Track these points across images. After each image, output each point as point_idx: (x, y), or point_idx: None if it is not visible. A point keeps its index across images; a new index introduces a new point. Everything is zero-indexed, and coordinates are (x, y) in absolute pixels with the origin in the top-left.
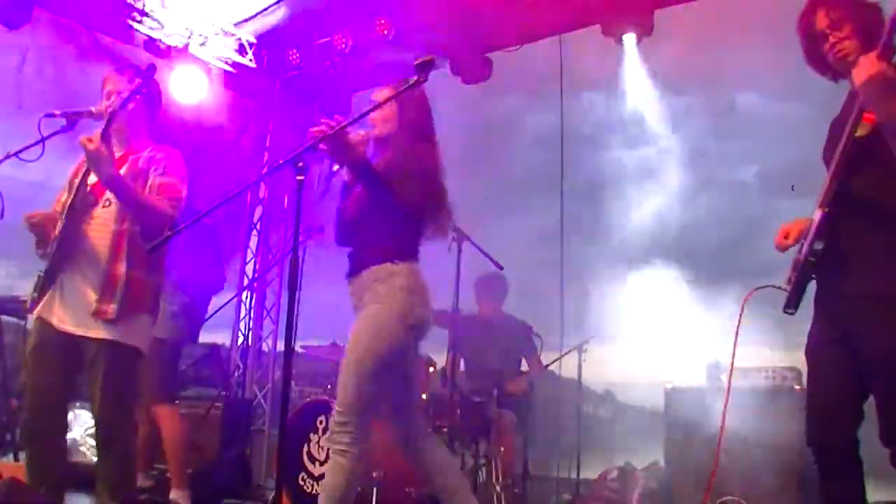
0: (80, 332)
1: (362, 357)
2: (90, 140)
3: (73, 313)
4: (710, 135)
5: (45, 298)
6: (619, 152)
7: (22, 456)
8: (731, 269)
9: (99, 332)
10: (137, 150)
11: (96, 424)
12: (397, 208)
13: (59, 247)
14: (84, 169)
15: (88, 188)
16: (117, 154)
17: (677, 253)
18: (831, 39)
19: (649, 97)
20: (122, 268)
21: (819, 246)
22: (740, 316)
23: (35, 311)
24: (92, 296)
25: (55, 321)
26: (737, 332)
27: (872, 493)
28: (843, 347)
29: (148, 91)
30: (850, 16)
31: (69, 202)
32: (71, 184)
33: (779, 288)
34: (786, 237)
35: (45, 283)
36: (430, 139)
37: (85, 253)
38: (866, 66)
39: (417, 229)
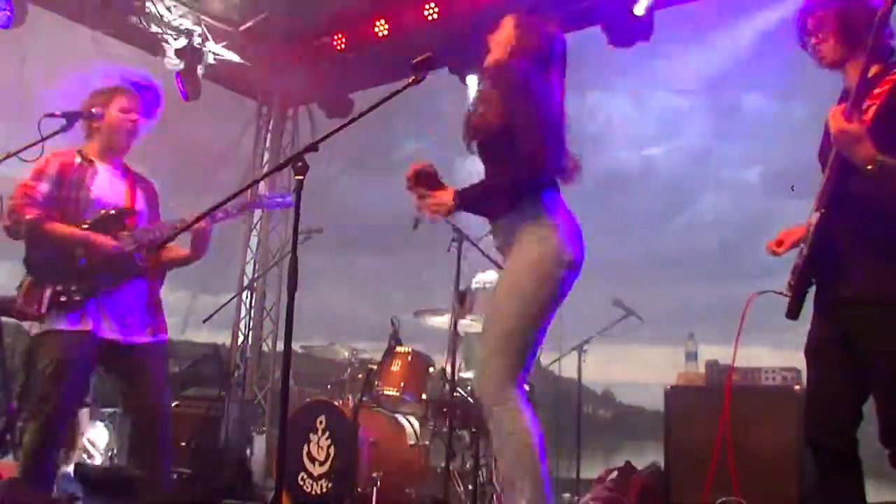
0: (131, 339)
1: (525, 307)
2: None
3: (122, 322)
4: (714, 135)
5: (79, 310)
6: (623, 152)
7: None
8: (735, 269)
9: (153, 333)
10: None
11: (146, 423)
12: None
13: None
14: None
15: (125, 207)
16: (111, 169)
17: (680, 252)
18: (813, 41)
19: (654, 97)
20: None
21: (817, 253)
22: (741, 321)
23: (61, 325)
24: (142, 304)
25: (103, 332)
26: (737, 337)
27: (872, 493)
28: (842, 348)
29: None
30: (833, 16)
31: (101, 217)
32: (74, 182)
33: (780, 294)
34: (779, 245)
35: (79, 296)
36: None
37: (121, 265)
38: (832, 123)
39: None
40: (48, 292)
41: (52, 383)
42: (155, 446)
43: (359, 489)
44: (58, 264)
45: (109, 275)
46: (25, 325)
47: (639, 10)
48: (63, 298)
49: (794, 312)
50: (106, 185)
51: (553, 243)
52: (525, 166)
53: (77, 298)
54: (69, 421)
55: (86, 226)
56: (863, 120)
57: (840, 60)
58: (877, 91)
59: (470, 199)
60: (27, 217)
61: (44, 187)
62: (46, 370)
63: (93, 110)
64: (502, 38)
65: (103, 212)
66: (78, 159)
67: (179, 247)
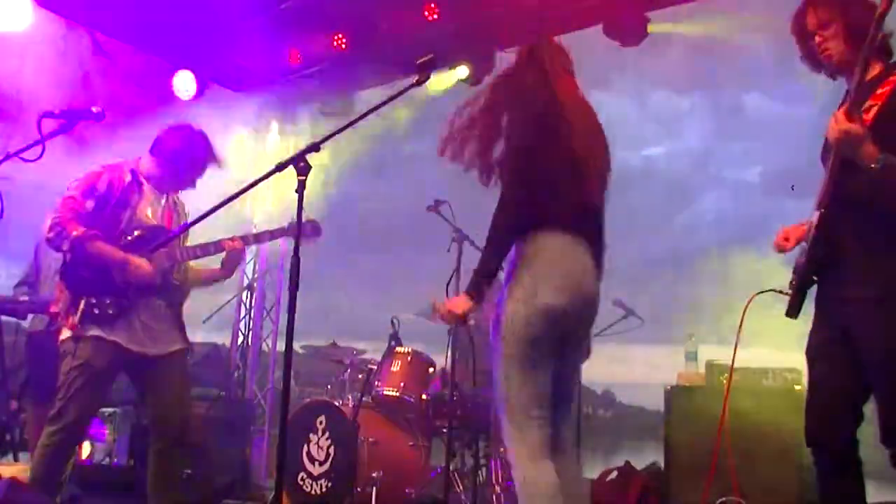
0: (158, 351)
1: (507, 368)
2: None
3: (151, 335)
4: (716, 135)
5: (106, 322)
6: (623, 152)
7: (21, 456)
8: (735, 268)
9: (178, 343)
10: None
11: (169, 430)
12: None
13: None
14: (154, 204)
15: (161, 227)
16: (156, 190)
17: (681, 252)
18: (817, 39)
19: (654, 97)
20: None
21: (819, 251)
22: (741, 320)
23: (92, 333)
24: (171, 317)
25: (134, 345)
26: (738, 336)
27: (873, 493)
28: (843, 348)
29: None
30: (837, 15)
31: (139, 236)
32: (121, 202)
33: (780, 292)
34: (786, 240)
35: (113, 310)
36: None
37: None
38: (833, 126)
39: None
40: (83, 305)
41: (77, 390)
42: (175, 453)
43: (359, 489)
44: (95, 280)
45: (143, 292)
46: (24, 324)
47: (653, 28)
48: (97, 311)
49: (794, 310)
50: (147, 207)
51: (526, 296)
52: (501, 213)
53: (111, 312)
54: (87, 428)
55: (128, 238)
56: (864, 120)
57: (846, 61)
58: (879, 91)
59: (477, 284)
60: (73, 233)
61: (90, 203)
62: (71, 376)
63: (92, 109)
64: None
65: (137, 232)
66: (128, 178)
67: (204, 266)
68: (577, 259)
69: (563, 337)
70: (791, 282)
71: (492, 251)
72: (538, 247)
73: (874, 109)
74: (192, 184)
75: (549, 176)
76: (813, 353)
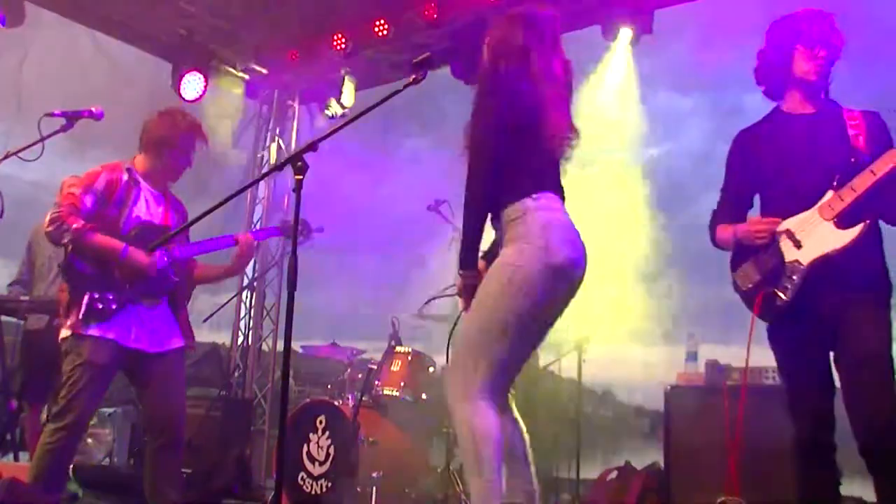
0: (158, 349)
1: (491, 314)
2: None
3: (151, 333)
4: (716, 136)
5: (112, 319)
6: (623, 152)
7: (21, 456)
8: None
9: (177, 341)
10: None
11: (167, 429)
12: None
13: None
14: (154, 206)
15: (159, 225)
16: (152, 189)
17: (681, 253)
18: (825, 52)
19: (654, 97)
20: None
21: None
22: (753, 319)
23: (91, 331)
24: (172, 315)
25: (131, 342)
26: (750, 334)
27: (871, 492)
28: (818, 348)
29: None
30: (837, 46)
31: (136, 234)
32: (119, 200)
33: (785, 291)
34: (759, 232)
35: (115, 304)
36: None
37: (155, 280)
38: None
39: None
40: (86, 299)
41: (78, 388)
42: (172, 451)
43: (359, 489)
44: (96, 276)
45: (144, 287)
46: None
47: (621, 45)
48: (100, 306)
49: (784, 312)
50: (145, 205)
51: (530, 251)
52: (469, 185)
53: (113, 307)
54: (87, 426)
55: (126, 236)
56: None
57: (821, 85)
58: (852, 123)
59: (464, 259)
60: (72, 227)
61: (89, 200)
62: (74, 374)
63: (92, 109)
64: (487, 43)
65: (134, 231)
66: (125, 177)
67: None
68: (566, 216)
69: (566, 300)
70: (775, 283)
71: (468, 221)
72: (533, 206)
73: (861, 138)
74: (188, 163)
75: (519, 142)
76: (793, 353)
